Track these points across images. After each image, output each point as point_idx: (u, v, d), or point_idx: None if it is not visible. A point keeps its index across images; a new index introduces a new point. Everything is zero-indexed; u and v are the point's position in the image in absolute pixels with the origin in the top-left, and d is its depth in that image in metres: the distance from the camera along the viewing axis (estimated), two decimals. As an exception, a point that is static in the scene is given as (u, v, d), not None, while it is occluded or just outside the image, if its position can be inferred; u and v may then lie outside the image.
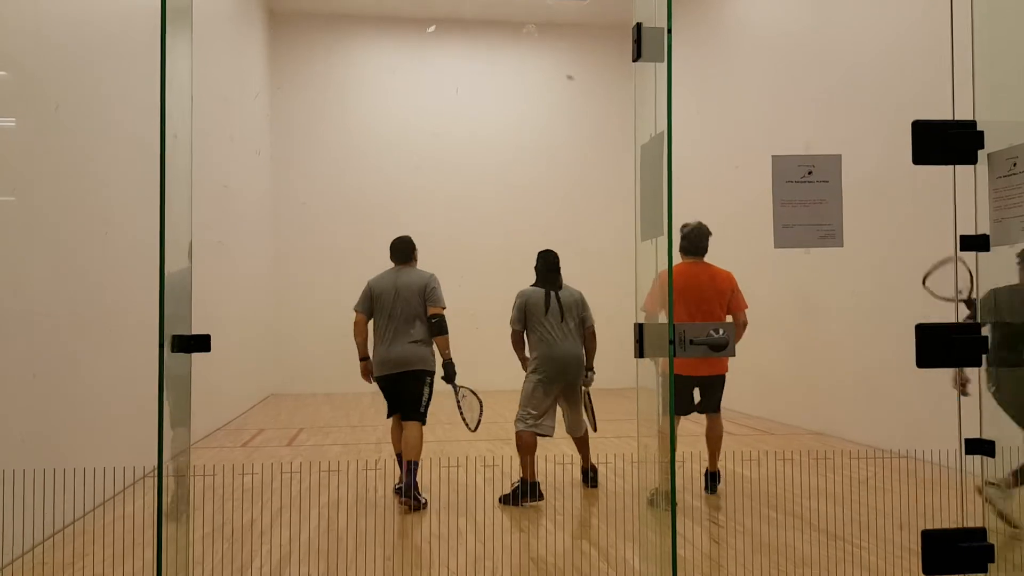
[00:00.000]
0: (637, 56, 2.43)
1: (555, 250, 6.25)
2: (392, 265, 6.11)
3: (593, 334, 6.16)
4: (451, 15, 14.11)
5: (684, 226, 6.31)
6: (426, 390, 5.89)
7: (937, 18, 6.48)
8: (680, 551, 4.27)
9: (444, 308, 5.94)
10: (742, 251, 9.79)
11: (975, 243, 2.39)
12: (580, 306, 6.11)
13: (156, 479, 2.48)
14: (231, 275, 10.33)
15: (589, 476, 6.20)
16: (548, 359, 5.92)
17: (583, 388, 6.13)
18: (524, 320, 6.05)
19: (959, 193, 2.54)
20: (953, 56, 2.44)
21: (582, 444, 6.22)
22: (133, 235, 6.11)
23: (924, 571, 2.41)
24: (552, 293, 6.02)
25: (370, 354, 6.03)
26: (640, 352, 2.53)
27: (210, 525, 4.94)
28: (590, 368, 6.17)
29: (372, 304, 6.02)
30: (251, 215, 12.16)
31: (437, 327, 5.87)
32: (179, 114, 2.58)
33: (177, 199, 2.54)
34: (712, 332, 2.50)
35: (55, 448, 4.97)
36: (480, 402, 6.02)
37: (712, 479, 6.09)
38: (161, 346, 2.48)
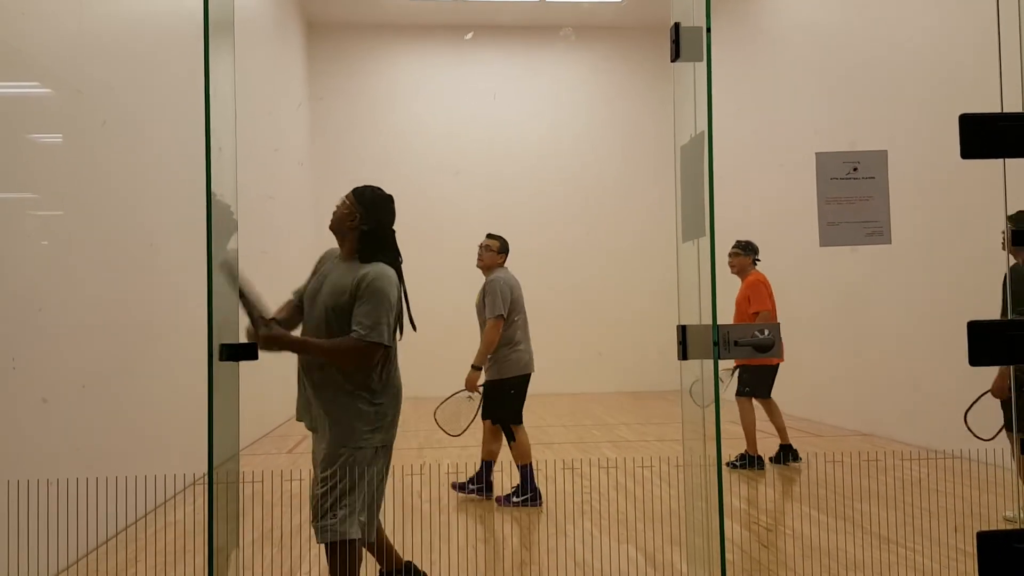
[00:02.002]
0: (676, 56, 2.42)
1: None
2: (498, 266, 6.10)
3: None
4: (488, 21, 14.16)
5: (748, 241, 7.27)
6: None
7: (982, 9, 6.35)
8: (728, 555, 4.22)
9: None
10: (787, 250, 9.68)
11: (1027, 238, 2.33)
12: None
13: (206, 485, 2.52)
14: (276, 284, 10.45)
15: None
16: None
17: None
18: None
19: (1009, 187, 2.48)
20: (1000, 47, 2.39)
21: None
22: (179, 247, 6.22)
23: (980, 574, 2.36)
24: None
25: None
26: (684, 354, 2.51)
27: (259, 531, 5.00)
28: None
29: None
30: (294, 225, 12.30)
31: None
32: (223, 127, 2.62)
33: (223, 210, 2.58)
34: (757, 333, 2.47)
35: (107, 457, 5.07)
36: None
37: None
38: (210, 355, 2.52)
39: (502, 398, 5.84)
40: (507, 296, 5.85)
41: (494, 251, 6.08)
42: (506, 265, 6.09)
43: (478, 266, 6.10)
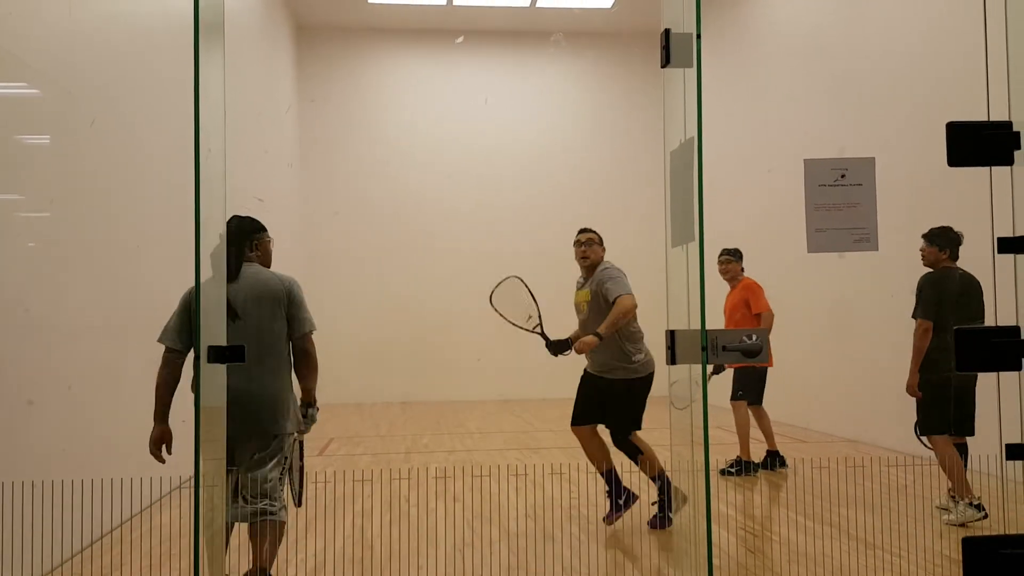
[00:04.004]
0: (666, 62, 2.43)
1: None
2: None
3: (308, 352, 3.96)
4: (478, 26, 14.18)
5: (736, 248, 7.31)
6: None
7: (969, 18, 6.40)
8: (715, 561, 4.23)
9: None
10: (774, 256, 9.71)
11: (1013, 245, 2.35)
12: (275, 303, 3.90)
13: (193, 488, 2.51)
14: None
15: None
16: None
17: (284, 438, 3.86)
18: (187, 332, 3.85)
19: (996, 195, 2.50)
20: (987, 56, 2.41)
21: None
22: (167, 248, 6.19)
23: (965, 579, 2.37)
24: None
25: None
26: (672, 359, 2.52)
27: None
28: (308, 403, 3.99)
29: None
30: (283, 227, 12.28)
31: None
32: (213, 128, 2.61)
33: (212, 212, 2.57)
34: (745, 338, 2.48)
35: (93, 459, 5.04)
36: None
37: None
38: (197, 357, 2.51)
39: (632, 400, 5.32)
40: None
41: (597, 243, 5.67)
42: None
43: (584, 265, 5.64)
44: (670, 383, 2.72)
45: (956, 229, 5.48)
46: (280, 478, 3.77)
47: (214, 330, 2.60)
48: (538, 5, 13.49)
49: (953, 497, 5.21)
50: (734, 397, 7.08)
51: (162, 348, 3.79)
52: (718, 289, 7.29)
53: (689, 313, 2.51)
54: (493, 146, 14.40)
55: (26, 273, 4.48)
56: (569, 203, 14.38)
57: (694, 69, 2.40)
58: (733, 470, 6.93)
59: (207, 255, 2.59)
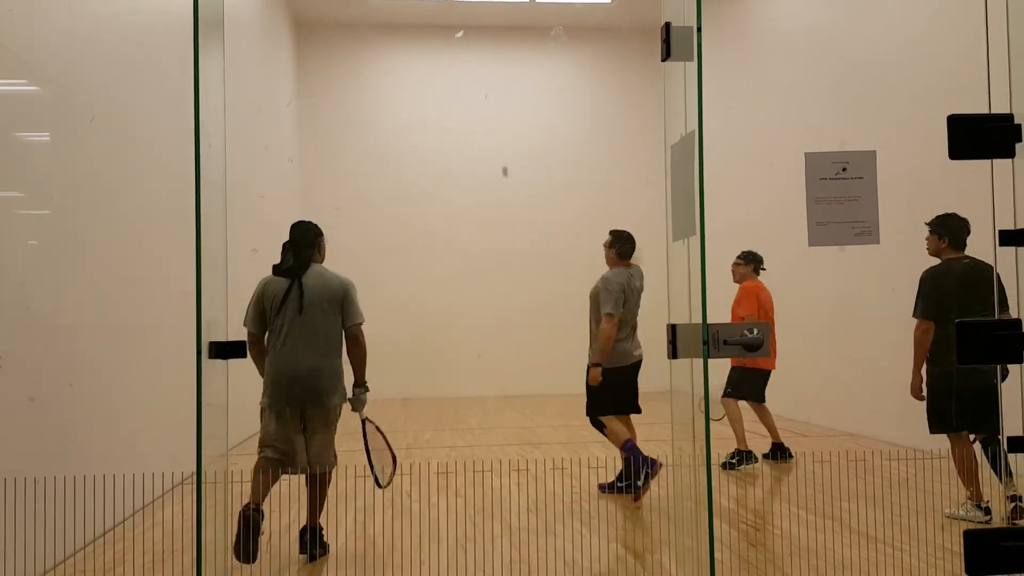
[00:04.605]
0: (666, 56, 2.42)
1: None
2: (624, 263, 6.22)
3: (358, 339, 4.71)
4: (477, 22, 14.16)
5: (751, 251, 7.49)
6: None
7: (970, 10, 6.38)
8: (716, 555, 4.24)
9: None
10: (775, 250, 9.70)
11: (1014, 238, 2.35)
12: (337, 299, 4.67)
13: (196, 484, 2.51)
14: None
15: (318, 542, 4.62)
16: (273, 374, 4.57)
17: (344, 413, 4.75)
18: (261, 320, 4.63)
19: (997, 187, 2.49)
20: (988, 48, 2.41)
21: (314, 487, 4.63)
22: (168, 245, 6.19)
23: (967, 571, 2.37)
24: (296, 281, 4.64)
25: None
26: (673, 353, 2.52)
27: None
28: (359, 385, 4.77)
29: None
30: (284, 223, 12.26)
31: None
32: (213, 124, 2.61)
33: (212, 208, 2.57)
34: (746, 332, 2.48)
35: (94, 455, 5.05)
36: None
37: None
38: (199, 353, 2.51)
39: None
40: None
41: (607, 246, 6.29)
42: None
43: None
44: (671, 379, 2.72)
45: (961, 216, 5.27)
46: (333, 445, 4.65)
47: (215, 326, 2.60)
48: (537, 0, 13.47)
49: (977, 504, 5.10)
50: (725, 394, 7.18)
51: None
52: (719, 283, 7.28)
53: (690, 307, 2.50)
54: (493, 141, 14.37)
55: (27, 270, 4.48)
56: (569, 198, 14.37)
57: (695, 63, 2.40)
58: (734, 460, 6.98)
59: (208, 250, 2.59)
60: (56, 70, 4.83)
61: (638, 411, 6.17)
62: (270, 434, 4.53)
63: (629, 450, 5.76)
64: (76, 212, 5.01)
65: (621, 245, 6.17)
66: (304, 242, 4.72)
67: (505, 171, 13.71)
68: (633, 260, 6.23)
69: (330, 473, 4.64)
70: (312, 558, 4.53)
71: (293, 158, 13.32)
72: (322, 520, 4.70)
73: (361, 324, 4.72)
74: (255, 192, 10.02)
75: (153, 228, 6.15)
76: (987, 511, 5.00)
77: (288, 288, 4.57)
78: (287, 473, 4.58)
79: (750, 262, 7.40)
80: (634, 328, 6.20)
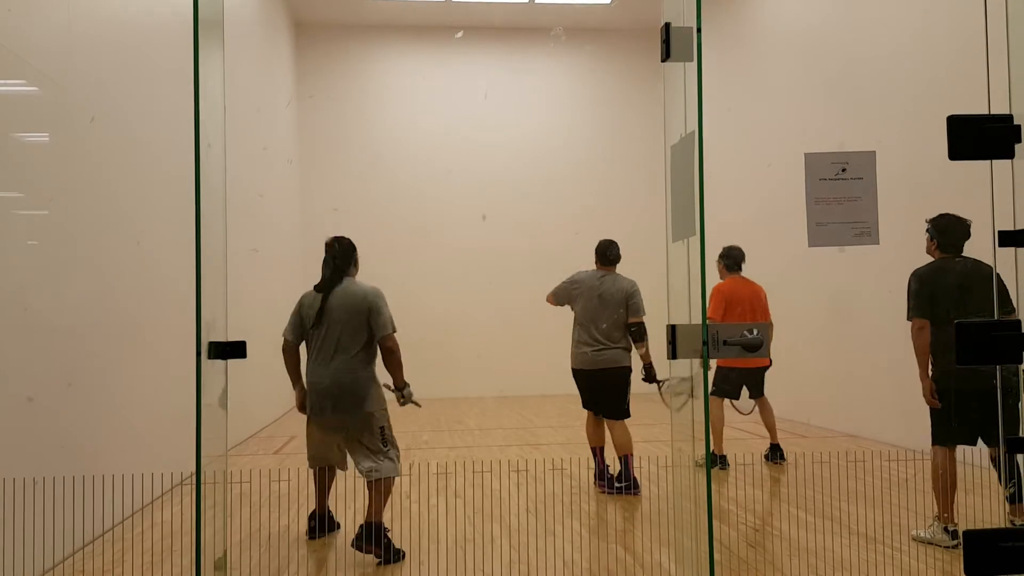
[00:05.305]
0: (666, 56, 2.42)
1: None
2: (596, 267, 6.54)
3: (391, 350, 4.77)
4: (477, 23, 14.16)
5: (729, 248, 7.34)
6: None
7: (970, 11, 6.39)
8: (715, 555, 4.24)
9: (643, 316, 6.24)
10: (774, 250, 9.72)
11: (1014, 239, 2.35)
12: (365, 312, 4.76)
13: (194, 485, 2.51)
14: (266, 282, 10.43)
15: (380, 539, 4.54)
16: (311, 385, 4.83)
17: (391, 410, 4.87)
18: (297, 329, 4.91)
19: (997, 188, 2.49)
20: (988, 49, 2.41)
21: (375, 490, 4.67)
22: (167, 245, 6.19)
23: (966, 571, 2.37)
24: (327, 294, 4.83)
25: None
26: (673, 354, 2.52)
27: (246, 531, 4.99)
28: (398, 388, 4.89)
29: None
30: (283, 223, 12.27)
31: (637, 335, 6.16)
32: (212, 124, 2.61)
33: (212, 208, 2.57)
34: (746, 333, 2.48)
35: (93, 456, 5.05)
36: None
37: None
38: (198, 353, 2.51)
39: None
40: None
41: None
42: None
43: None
44: (666, 380, 2.71)
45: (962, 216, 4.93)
46: (384, 449, 4.69)
47: (215, 326, 2.60)
48: (537, 1, 13.47)
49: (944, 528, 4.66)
50: (711, 393, 7.16)
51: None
52: (719, 285, 7.29)
53: (690, 308, 2.50)
54: (492, 141, 14.38)
55: (26, 270, 4.47)
56: (568, 198, 14.38)
57: (694, 63, 2.40)
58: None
59: (207, 250, 2.59)
60: (55, 70, 4.82)
61: (611, 416, 6.19)
62: (311, 444, 4.93)
63: (594, 453, 6.29)
64: (75, 212, 5.01)
65: (599, 253, 6.66)
66: (341, 258, 4.92)
67: (484, 217, 13.81)
68: (618, 269, 6.55)
69: (385, 480, 4.64)
70: (386, 560, 4.46)
71: (293, 158, 13.32)
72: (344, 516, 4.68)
73: (392, 334, 4.78)
74: (255, 192, 10.02)
75: (152, 228, 6.15)
76: (954, 535, 4.54)
77: (320, 303, 4.77)
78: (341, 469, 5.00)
79: (723, 259, 7.32)
80: (595, 333, 6.20)
